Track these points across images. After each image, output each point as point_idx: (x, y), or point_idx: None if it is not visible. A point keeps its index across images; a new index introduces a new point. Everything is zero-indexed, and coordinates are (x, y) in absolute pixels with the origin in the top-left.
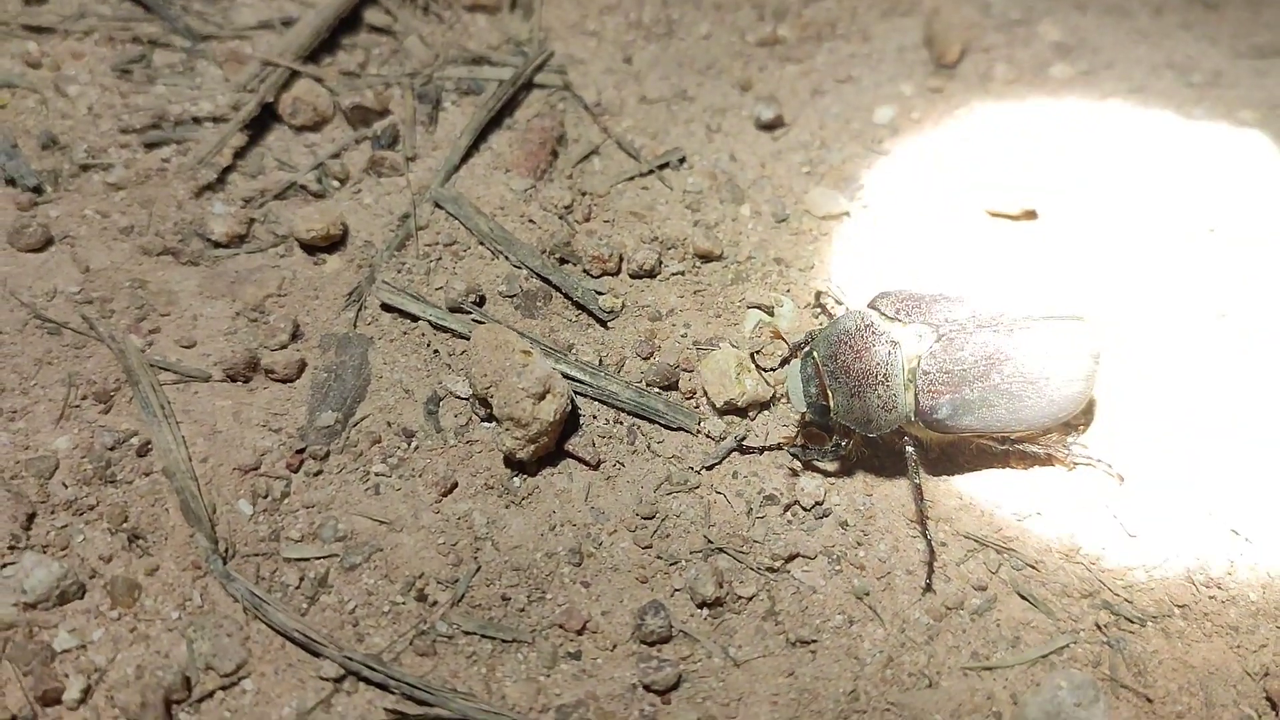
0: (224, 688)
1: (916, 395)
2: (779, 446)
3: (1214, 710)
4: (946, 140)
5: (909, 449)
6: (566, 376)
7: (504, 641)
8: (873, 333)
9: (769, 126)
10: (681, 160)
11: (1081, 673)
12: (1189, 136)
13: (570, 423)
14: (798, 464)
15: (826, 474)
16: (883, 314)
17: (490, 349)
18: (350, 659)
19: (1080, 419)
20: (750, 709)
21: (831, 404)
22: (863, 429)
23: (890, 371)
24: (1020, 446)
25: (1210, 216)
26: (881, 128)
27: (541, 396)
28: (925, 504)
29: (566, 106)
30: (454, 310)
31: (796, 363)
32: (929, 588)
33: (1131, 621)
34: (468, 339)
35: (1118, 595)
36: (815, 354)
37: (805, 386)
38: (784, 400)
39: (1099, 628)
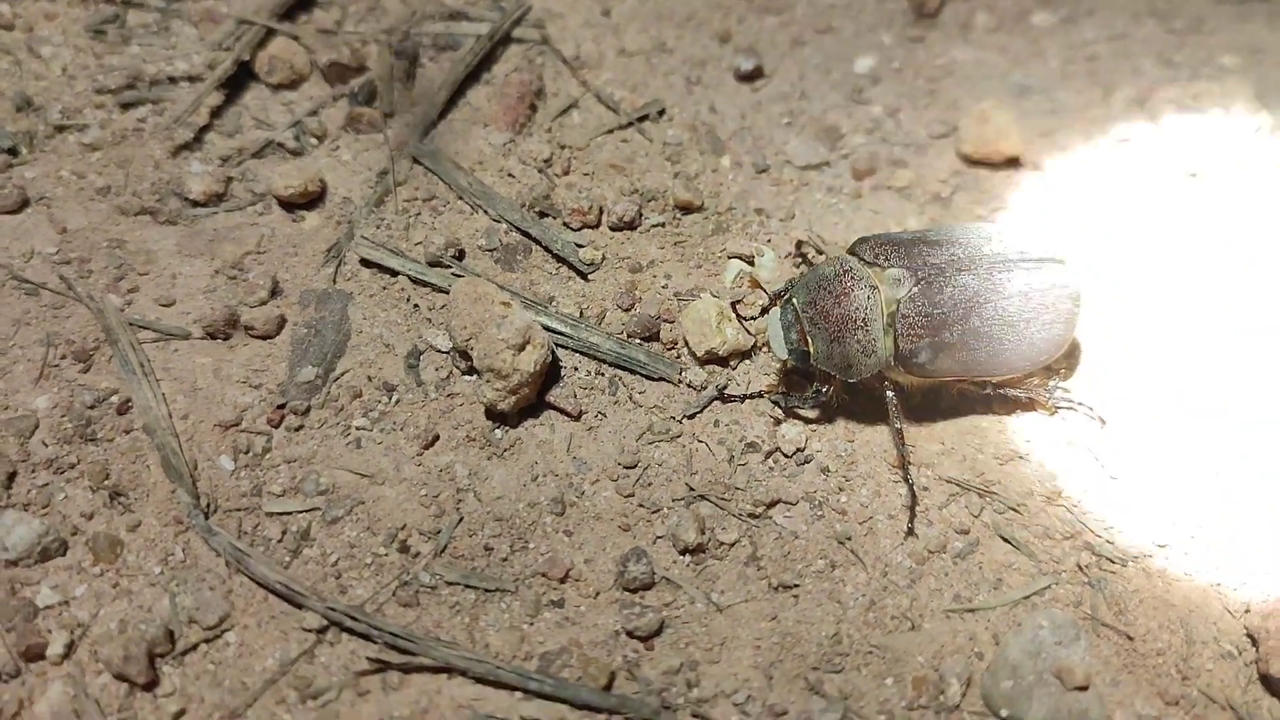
0: (207, 640)
1: (896, 339)
2: (761, 394)
3: (1194, 647)
4: (924, 90)
5: (889, 394)
6: (547, 329)
7: (487, 591)
8: (851, 278)
9: (749, 78)
10: (661, 113)
11: (1063, 612)
12: (1171, 81)
13: (551, 374)
14: (779, 411)
15: (808, 421)
16: (861, 259)
17: (470, 301)
18: (333, 609)
19: (1062, 363)
20: (733, 653)
21: (811, 350)
22: (843, 374)
23: (869, 316)
24: (1002, 391)
25: (1192, 162)
26: (862, 77)
27: (521, 347)
28: (907, 449)
29: (545, 60)
30: (433, 264)
31: (776, 310)
32: (911, 531)
33: (1113, 562)
34: (447, 293)
35: (1099, 536)
36: (795, 300)
37: (785, 333)
38: (765, 349)
39: (1080, 568)
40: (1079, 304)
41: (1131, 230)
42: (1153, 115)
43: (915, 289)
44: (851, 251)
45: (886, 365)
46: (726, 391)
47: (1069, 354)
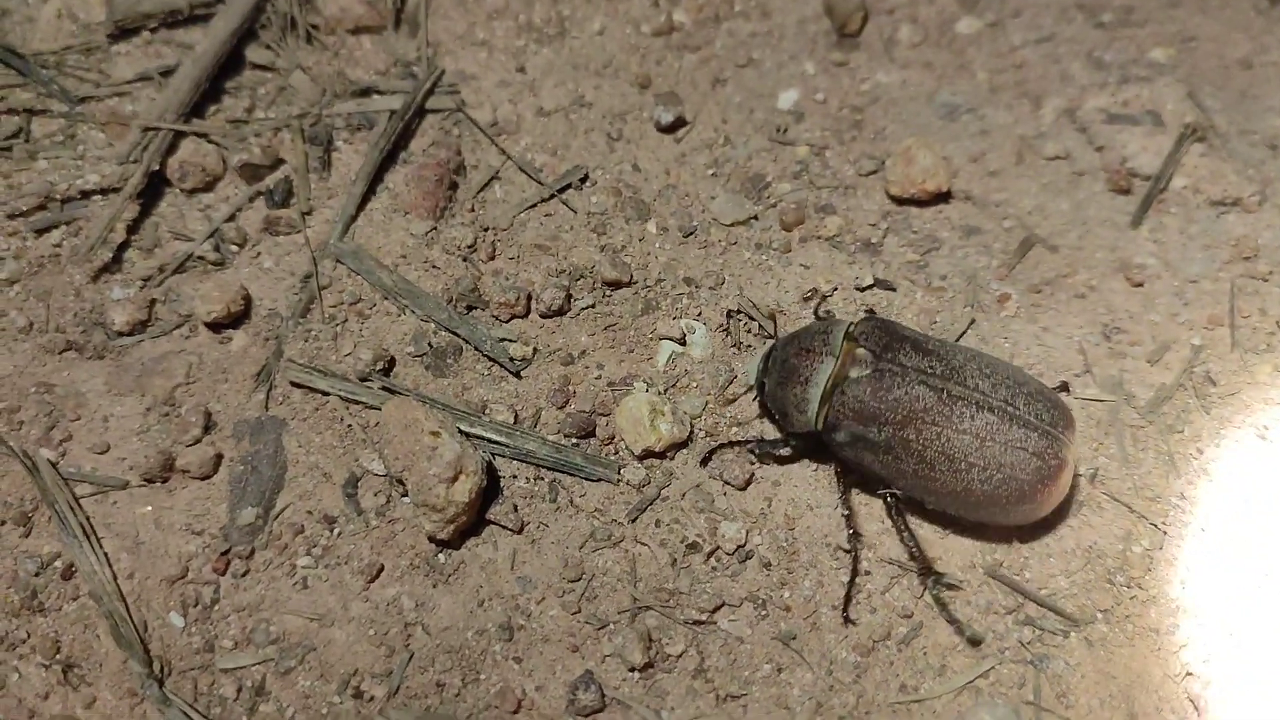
0: None
1: (828, 410)
2: (734, 444)
3: None
4: (849, 121)
5: (835, 470)
6: (482, 439)
7: None
8: (821, 340)
9: (670, 128)
10: (584, 179)
11: (1003, 705)
12: (1101, 86)
13: (490, 487)
14: (718, 509)
15: (747, 514)
16: (848, 332)
17: (400, 428)
18: None
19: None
20: None
21: (766, 385)
22: (781, 420)
23: (813, 378)
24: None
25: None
26: (786, 114)
27: (454, 479)
28: (853, 521)
29: (462, 131)
30: (363, 380)
31: (770, 342)
32: (848, 620)
33: (1054, 634)
34: (379, 409)
35: (1041, 608)
36: (778, 340)
37: (757, 362)
38: (703, 435)
39: (1022, 644)
40: (1050, 483)
41: (1062, 251)
42: (1084, 127)
43: (866, 374)
44: (856, 322)
45: (816, 429)
46: (713, 442)
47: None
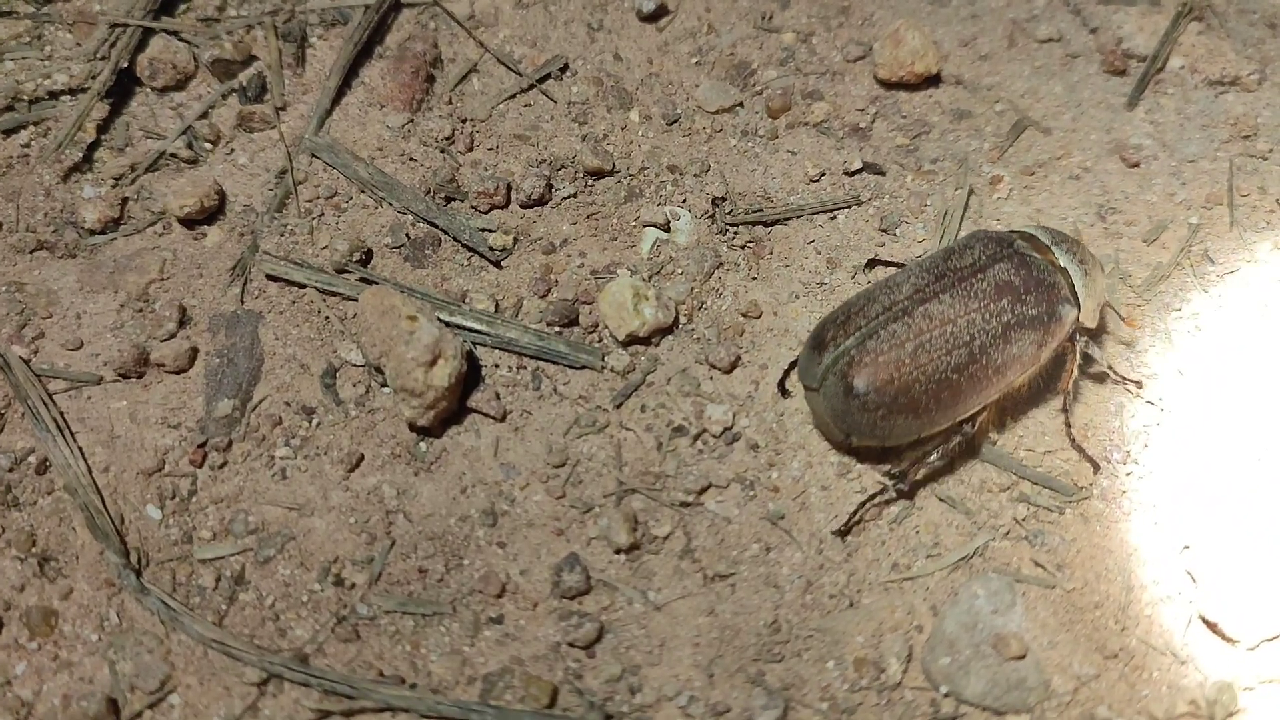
0: (151, 705)
1: None
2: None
3: (1133, 594)
4: (836, 7)
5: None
6: (462, 328)
7: (425, 615)
8: None
9: (652, 17)
10: (564, 69)
11: (999, 577)
12: None
13: (471, 377)
14: (705, 391)
15: (734, 397)
16: None
17: (377, 315)
18: (270, 662)
19: None
20: (673, 653)
21: None
22: None
23: None
24: None
25: (1120, 58)
26: (771, 1)
27: (432, 363)
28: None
29: (438, 24)
30: (340, 271)
31: None
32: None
33: (1050, 510)
34: (357, 301)
35: (1036, 485)
36: None
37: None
38: (688, 320)
39: (1017, 521)
40: None
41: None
42: (1077, 8)
43: None
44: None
45: None
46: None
47: None
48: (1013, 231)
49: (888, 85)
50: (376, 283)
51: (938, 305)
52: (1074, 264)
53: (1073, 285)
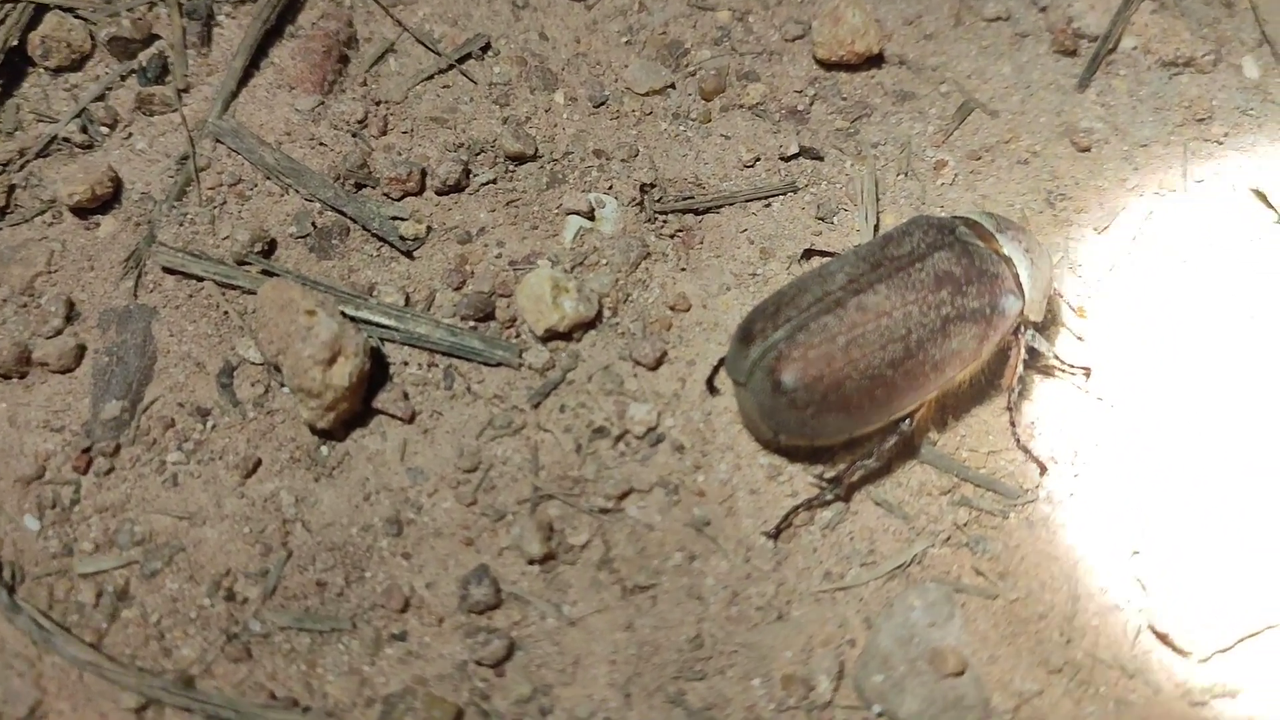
0: None
1: None
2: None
3: (1079, 603)
4: None
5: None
6: (369, 323)
7: (323, 632)
8: None
9: None
10: (486, 48)
11: (937, 587)
12: None
13: (378, 375)
14: (628, 389)
15: (659, 395)
16: None
17: (276, 310)
18: (150, 685)
19: None
20: (588, 672)
21: None
22: None
23: None
24: None
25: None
26: None
27: (331, 361)
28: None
29: (354, 1)
30: (241, 263)
31: None
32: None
33: (993, 515)
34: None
35: (978, 487)
36: None
37: None
38: (612, 314)
39: (958, 527)
40: None
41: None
42: None
43: None
44: None
45: None
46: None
47: None
48: (955, 218)
49: (827, 66)
50: (278, 275)
51: (873, 296)
52: (1019, 252)
53: (1018, 275)
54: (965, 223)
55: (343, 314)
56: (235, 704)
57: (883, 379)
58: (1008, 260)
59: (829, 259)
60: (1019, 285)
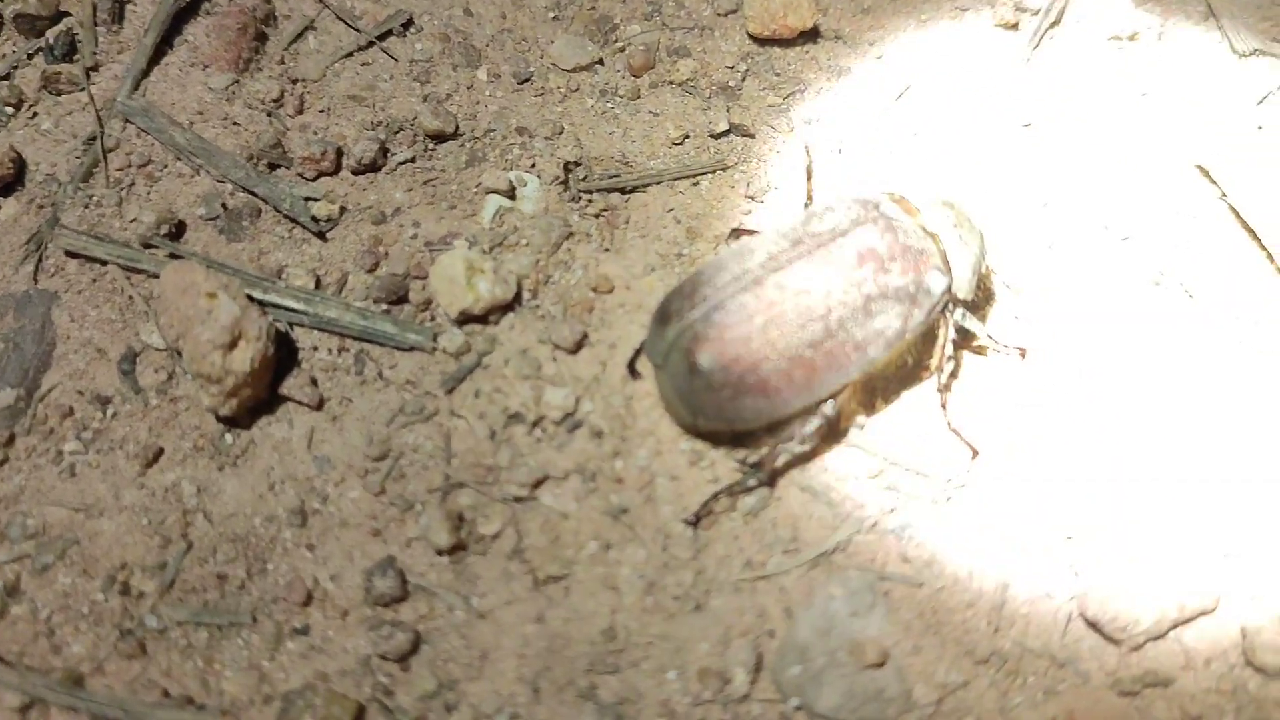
0: None
1: None
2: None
3: (1010, 591)
4: None
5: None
6: (277, 307)
7: (221, 627)
8: None
9: None
10: (408, 24)
11: (859, 575)
12: None
13: (287, 360)
14: (546, 374)
15: (578, 379)
16: None
17: (178, 293)
18: (34, 684)
19: None
20: (496, 666)
21: None
22: None
23: None
24: None
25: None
26: None
27: (232, 345)
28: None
29: None
30: (147, 246)
31: None
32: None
33: (921, 501)
34: None
35: (907, 472)
36: None
37: None
38: (532, 296)
39: (885, 513)
40: None
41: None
42: None
43: None
44: None
45: None
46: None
47: None
48: (882, 193)
49: (760, 41)
50: (184, 258)
51: (791, 274)
52: (947, 228)
53: (944, 252)
54: (891, 198)
55: (249, 297)
56: (124, 703)
57: (802, 360)
58: (934, 236)
59: (751, 237)
60: (945, 262)
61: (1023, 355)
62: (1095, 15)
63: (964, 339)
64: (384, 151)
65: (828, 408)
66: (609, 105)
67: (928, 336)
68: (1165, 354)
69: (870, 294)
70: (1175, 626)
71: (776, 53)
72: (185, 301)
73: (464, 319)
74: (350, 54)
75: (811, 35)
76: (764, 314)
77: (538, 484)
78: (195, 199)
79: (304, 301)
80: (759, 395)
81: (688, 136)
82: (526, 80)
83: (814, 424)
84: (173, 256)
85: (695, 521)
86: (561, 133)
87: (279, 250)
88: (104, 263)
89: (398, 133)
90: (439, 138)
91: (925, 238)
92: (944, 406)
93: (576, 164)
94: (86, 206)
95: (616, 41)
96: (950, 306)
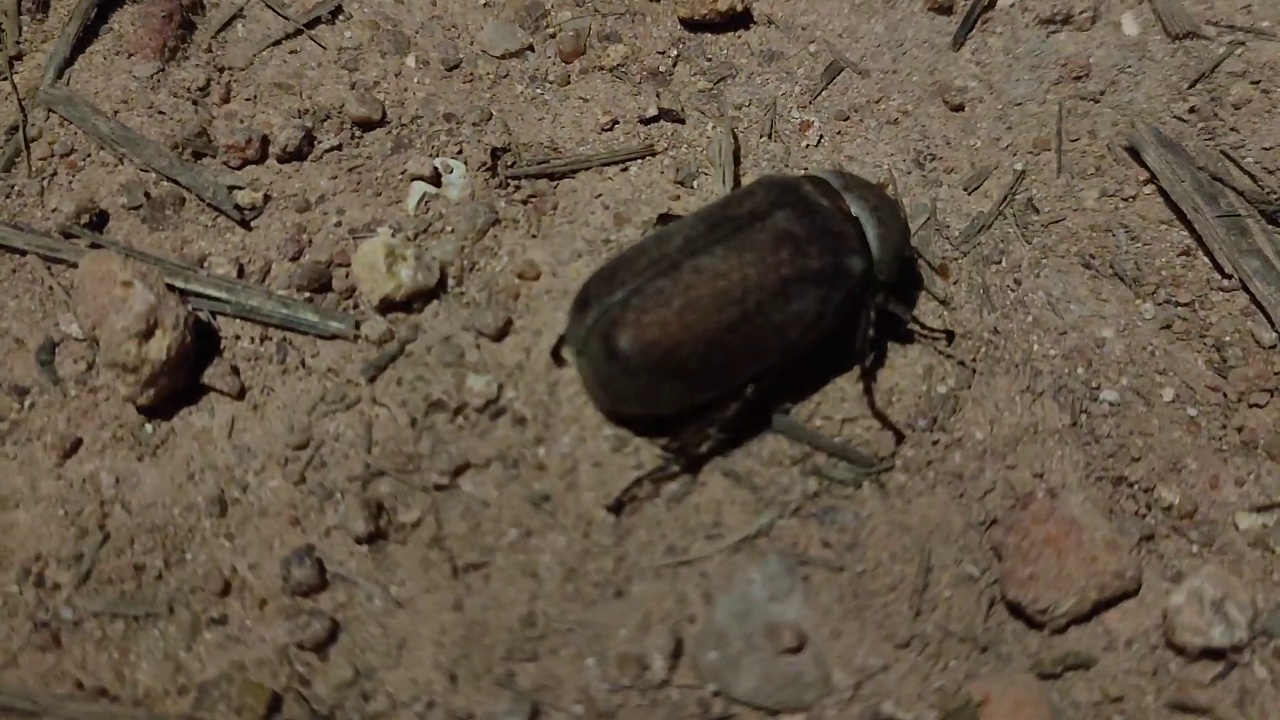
0: None
1: None
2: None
3: (931, 575)
4: None
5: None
6: (199, 296)
7: (138, 618)
8: None
9: None
10: (336, 12)
11: (778, 559)
12: None
13: (208, 348)
14: (468, 360)
15: (502, 366)
16: None
17: (95, 282)
18: None
19: None
20: (414, 654)
21: None
22: None
23: None
24: None
25: None
26: None
27: (148, 334)
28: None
29: None
30: (68, 236)
31: None
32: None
33: (844, 485)
34: None
35: (831, 457)
36: None
37: None
38: (456, 284)
39: (809, 497)
40: None
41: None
42: None
43: None
44: None
45: None
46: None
47: None
48: (802, 176)
49: (691, 26)
50: (105, 248)
51: (709, 258)
52: (866, 211)
53: (863, 235)
54: (811, 181)
55: (169, 286)
56: (33, 695)
57: (720, 344)
58: (854, 219)
59: (672, 221)
60: (865, 245)
61: (949, 340)
62: None
63: (889, 322)
64: (310, 139)
65: (749, 391)
66: (538, 91)
67: (852, 319)
68: (1096, 330)
69: (787, 276)
70: (1097, 609)
71: (708, 38)
72: (102, 291)
73: (386, 306)
74: (278, 42)
75: (744, 20)
76: (681, 298)
77: (459, 471)
78: (118, 188)
79: (226, 290)
80: (677, 379)
81: (617, 122)
82: (455, 67)
83: (733, 408)
84: (94, 246)
85: (618, 508)
86: (490, 119)
87: (202, 239)
88: (23, 253)
89: (324, 120)
90: (366, 125)
91: (844, 221)
92: (869, 390)
93: (505, 150)
94: (8, 196)
95: (547, 27)
96: (872, 290)
